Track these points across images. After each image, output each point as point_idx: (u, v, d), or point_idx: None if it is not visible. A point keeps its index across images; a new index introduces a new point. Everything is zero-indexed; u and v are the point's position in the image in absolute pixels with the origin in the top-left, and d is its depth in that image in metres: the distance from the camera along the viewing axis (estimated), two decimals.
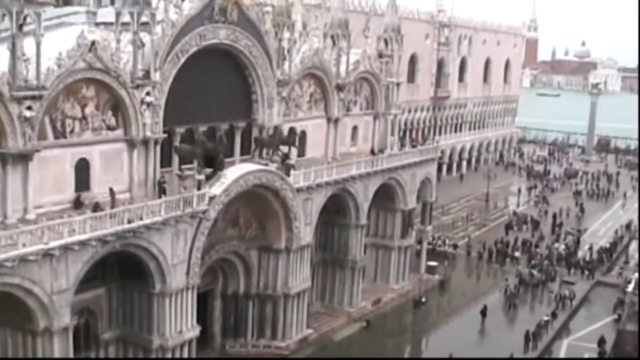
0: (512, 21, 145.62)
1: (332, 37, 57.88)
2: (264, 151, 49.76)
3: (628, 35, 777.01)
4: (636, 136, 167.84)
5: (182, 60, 43.12)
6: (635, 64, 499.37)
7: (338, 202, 56.49)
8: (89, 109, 38.95)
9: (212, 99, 47.50)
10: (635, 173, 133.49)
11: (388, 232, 63.98)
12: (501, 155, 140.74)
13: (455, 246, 78.97)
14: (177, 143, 44.80)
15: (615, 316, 62.71)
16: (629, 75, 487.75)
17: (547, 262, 73.58)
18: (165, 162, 43.89)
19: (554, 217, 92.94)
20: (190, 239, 41.92)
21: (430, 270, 69.87)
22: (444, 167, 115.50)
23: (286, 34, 51.07)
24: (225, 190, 43.55)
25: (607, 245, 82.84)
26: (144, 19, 40.45)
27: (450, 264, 73.68)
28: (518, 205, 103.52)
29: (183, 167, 44.41)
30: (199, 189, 42.15)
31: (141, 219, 38.46)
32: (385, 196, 61.62)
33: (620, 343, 56.55)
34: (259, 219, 49.55)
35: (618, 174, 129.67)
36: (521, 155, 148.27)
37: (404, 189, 62.97)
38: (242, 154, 50.06)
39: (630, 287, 61.82)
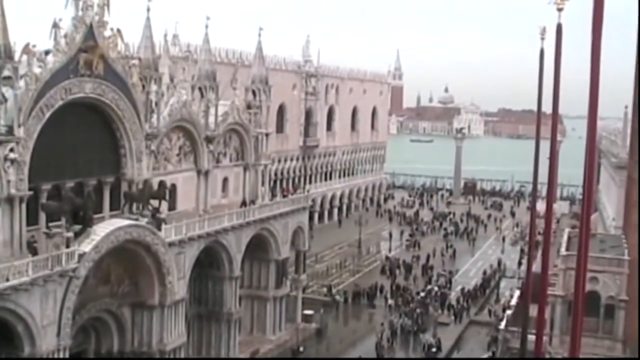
0: (378, 69, 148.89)
1: (200, 89, 57.80)
2: (134, 206, 48.98)
3: (488, 81, 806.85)
4: (500, 178, 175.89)
5: (47, 115, 42.17)
6: (495, 109, 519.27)
7: (211, 255, 56.02)
8: None
9: (79, 154, 46.64)
10: (498, 214, 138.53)
11: (263, 283, 63.77)
12: (372, 201, 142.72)
13: (337, 293, 79.65)
14: (43, 200, 43.66)
15: (490, 353, 64.18)
16: (491, 119, 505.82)
17: (419, 309, 74.00)
18: (32, 219, 42.62)
19: (427, 259, 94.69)
20: (60, 299, 40.65)
21: (307, 319, 69.88)
22: (316, 215, 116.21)
23: (154, 87, 50.74)
24: (95, 247, 42.57)
25: (479, 285, 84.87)
26: (6, 72, 39.38)
27: (327, 312, 73.81)
28: (390, 250, 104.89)
29: (51, 224, 43.24)
30: (67, 246, 41.03)
31: (7, 280, 37.11)
32: (258, 247, 61.50)
33: None
34: (131, 275, 48.55)
35: (489, 216, 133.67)
36: (386, 200, 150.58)
37: (277, 239, 62.99)
38: (111, 209, 49.14)
39: (503, 325, 63.28)
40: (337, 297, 78.84)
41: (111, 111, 47.47)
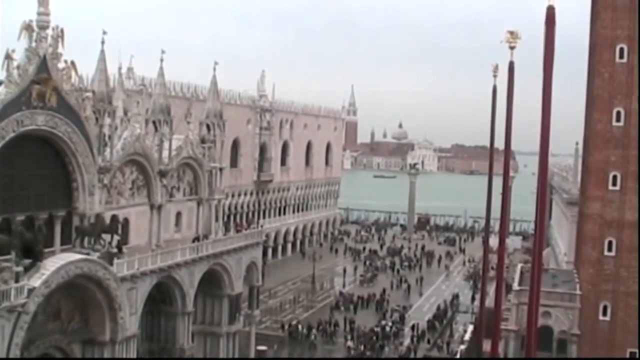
0: (332, 105, 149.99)
1: (154, 122, 57.56)
2: (86, 240, 48.43)
3: (441, 117, 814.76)
4: (453, 213, 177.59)
5: None
6: (448, 145, 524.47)
7: (164, 290, 55.40)
8: None
9: (30, 187, 45.99)
10: (452, 249, 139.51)
11: (215, 319, 63.08)
12: (325, 237, 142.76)
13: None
14: None
15: None
16: (445, 155, 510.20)
17: (369, 352, 73.32)
18: None
19: (382, 294, 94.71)
20: (8, 335, 39.78)
21: (260, 354, 69.31)
22: (270, 251, 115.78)
23: (107, 120, 50.34)
24: (45, 281, 41.86)
25: (432, 320, 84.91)
26: None
27: (280, 348, 73.31)
28: (344, 285, 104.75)
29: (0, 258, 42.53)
30: (17, 281, 40.28)
31: None
32: (211, 282, 60.95)
33: None
34: (81, 310, 47.76)
35: (448, 253, 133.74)
36: (344, 236, 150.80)
37: (230, 274, 62.51)
38: (62, 243, 48.42)
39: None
40: (300, 328, 78.58)
41: (63, 144, 46.97)
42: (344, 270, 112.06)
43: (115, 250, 49.20)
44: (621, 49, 59.33)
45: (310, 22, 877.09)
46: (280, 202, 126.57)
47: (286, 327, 79.55)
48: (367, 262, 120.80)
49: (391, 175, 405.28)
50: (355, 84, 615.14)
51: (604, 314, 59.73)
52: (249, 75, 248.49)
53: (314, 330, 78.08)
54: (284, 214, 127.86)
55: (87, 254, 46.61)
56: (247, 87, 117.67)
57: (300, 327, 79.29)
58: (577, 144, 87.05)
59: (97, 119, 49.32)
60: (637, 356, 57.06)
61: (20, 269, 40.83)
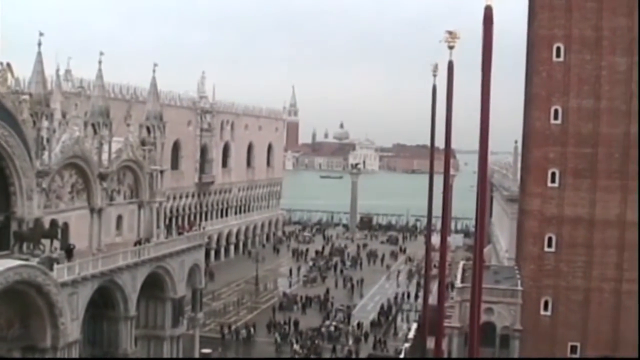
0: (274, 106, 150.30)
1: (93, 125, 56.87)
2: (25, 245, 47.67)
3: (382, 116, 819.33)
4: (395, 212, 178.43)
5: None
6: (390, 144, 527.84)
7: (106, 294, 54.77)
8: None
9: None
10: (394, 248, 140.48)
11: (159, 322, 62.55)
12: (268, 238, 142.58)
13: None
14: None
15: None
16: (386, 154, 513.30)
17: (313, 355, 73.25)
18: None
19: (325, 295, 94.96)
20: None
21: (205, 357, 68.95)
22: (212, 253, 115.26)
23: (45, 123, 49.56)
24: None
25: (376, 319, 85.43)
26: None
27: (224, 350, 72.97)
28: (290, 285, 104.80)
29: None
30: None
31: None
32: (154, 285, 60.41)
33: None
34: (21, 317, 46.97)
35: (392, 252, 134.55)
36: (289, 236, 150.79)
37: (173, 277, 62.03)
38: (0, 249, 47.61)
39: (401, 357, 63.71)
40: (242, 331, 78.56)
41: (0, 148, 46.20)
42: (290, 271, 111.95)
43: (56, 255, 48.58)
44: (558, 48, 60.05)
45: (254, 23, 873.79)
46: (222, 203, 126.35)
47: (231, 328, 79.37)
48: (311, 263, 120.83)
49: (337, 176, 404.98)
50: (297, 84, 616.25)
51: (545, 309, 60.38)
52: (192, 75, 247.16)
53: (277, 334, 78.02)
54: (226, 215, 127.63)
55: (27, 259, 45.89)
56: (189, 88, 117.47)
57: (252, 329, 79.06)
58: (515, 142, 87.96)
59: (34, 122, 48.58)
60: (578, 349, 57.87)
61: None
